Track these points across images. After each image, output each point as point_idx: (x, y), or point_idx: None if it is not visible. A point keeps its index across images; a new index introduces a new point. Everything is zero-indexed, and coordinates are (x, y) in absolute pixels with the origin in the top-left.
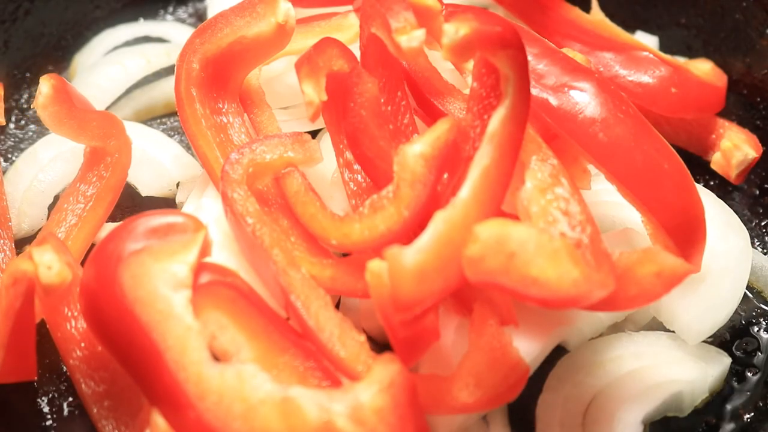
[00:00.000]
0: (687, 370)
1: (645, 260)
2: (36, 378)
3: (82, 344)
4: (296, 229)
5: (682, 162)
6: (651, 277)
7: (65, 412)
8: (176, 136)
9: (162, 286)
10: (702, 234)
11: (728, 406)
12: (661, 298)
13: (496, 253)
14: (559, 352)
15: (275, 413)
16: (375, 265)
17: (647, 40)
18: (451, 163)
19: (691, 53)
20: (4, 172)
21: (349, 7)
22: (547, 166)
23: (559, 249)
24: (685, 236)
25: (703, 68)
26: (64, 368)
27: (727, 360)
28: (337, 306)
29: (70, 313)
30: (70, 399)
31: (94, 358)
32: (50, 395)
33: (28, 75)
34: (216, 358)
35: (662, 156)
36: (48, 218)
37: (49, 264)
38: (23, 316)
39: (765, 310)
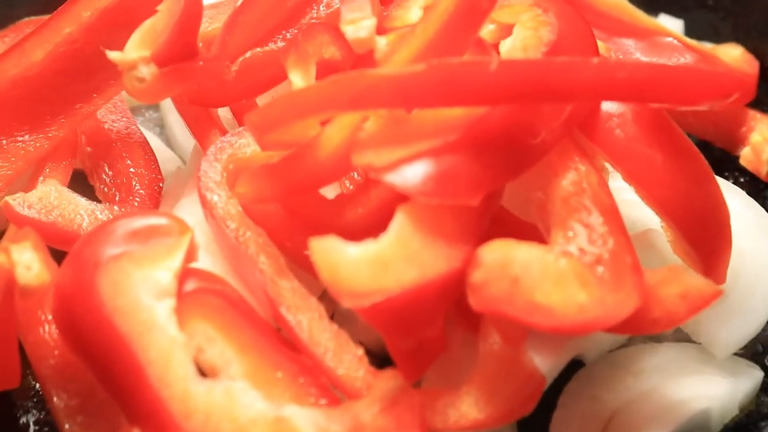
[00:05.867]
0: (715, 386)
1: (670, 279)
2: (18, 385)
3: (56, 352)
4: None
5: (706, 162)
6: (675, 299)
7: (32, 430)
8: (156, 128)
9: (144, 295)
10: (727, 243)
11: (761, 425)
12: (685, 321)
13: (499, 279)
14: (575, 365)
15: None
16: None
17: (671, 24)
18: None
19: (719, 38)
20: None
21: None
22: (573, 172)
23: (564, 270)
24: (707, 245)
25: (733, 54)
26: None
27: (759, 374)
28: (332, 317)
29: (43, 317)
30: (41, 414)
31: (69, 368)
32: (19, 409)
33: None
34: (203, 373)
35: (683, 156)
36: None
37: (28, 264)
38: (3, 316)
39: None
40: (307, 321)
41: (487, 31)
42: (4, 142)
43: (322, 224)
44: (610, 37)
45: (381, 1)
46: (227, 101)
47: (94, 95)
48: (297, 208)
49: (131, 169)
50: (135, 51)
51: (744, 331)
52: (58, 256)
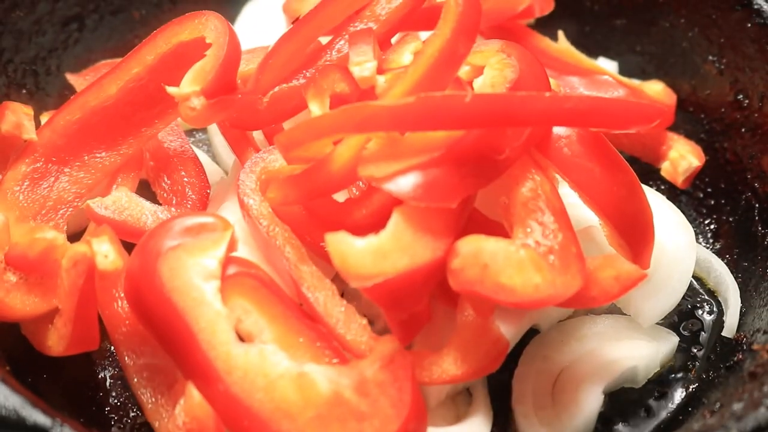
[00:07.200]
0: (641, 348)
1: (606, 265)
2: (97, 347)
3: (127, 322)
4: None
5: (635, 174)
6: (610, 280)
7: (108, 382)
8: (204, 147)
9: (195, 277)
10: (650, 236)
11: (677, 378)
12: (618, 298)
13: (472, 265)
14: (532, 332)
15: (292, 386)
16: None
17: (607, 65)
18: None
19: (645, 76)
20: None
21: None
22: (531, 182)
23: (523, 259)
24: (635, 238)
25: (656, 89)
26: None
27: (675, 339)
28: (342, 295)
29: (117, 294)
30: (115, 371)
31: (137, 335)
32: (98, 366)
33: None
34: (241, 339)
35: (617, 168)
36: None
37: (105, 253)
38: (86, 293)
39: (707, 296)
40: (323, 297)
41: (463, 71)
42: (86, 157)
43: (334, 222)
44: (560, 75)
45: (380, 48)
46: (260, 126)
47: (156, 121)
48: (315, 209)
49: (185, 179)
50: (188, 86)
51: (664, 305)
52: (128, 247)
